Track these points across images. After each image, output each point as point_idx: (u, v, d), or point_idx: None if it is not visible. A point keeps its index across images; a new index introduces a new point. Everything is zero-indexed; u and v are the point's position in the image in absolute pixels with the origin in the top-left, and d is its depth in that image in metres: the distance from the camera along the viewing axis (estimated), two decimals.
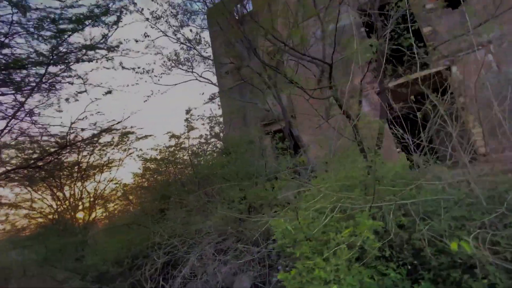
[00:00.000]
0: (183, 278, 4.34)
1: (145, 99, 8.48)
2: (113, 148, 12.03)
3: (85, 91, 6.36)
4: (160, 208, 6.79)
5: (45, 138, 9.35)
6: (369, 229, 1.89)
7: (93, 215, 10.12)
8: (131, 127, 10.95)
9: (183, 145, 8.95)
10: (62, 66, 5.93)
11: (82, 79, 6.35)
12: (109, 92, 6.37)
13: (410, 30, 5.38)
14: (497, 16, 5.88)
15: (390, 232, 2.12)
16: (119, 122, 9.70)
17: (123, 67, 7.14)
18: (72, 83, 6.29)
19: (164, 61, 8.53)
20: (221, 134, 10.99)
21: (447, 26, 7.10)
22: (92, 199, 11.62)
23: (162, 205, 6.89)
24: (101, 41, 6.14)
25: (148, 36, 6.95)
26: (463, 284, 1.92)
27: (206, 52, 10.15)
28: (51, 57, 5.49)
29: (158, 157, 9.08)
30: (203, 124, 9.79)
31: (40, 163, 9.26)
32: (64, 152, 10.30)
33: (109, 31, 5.75)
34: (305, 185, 5.77)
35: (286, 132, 6.86)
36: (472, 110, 6.72)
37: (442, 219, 2.15)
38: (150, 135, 12.60)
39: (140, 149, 10.74)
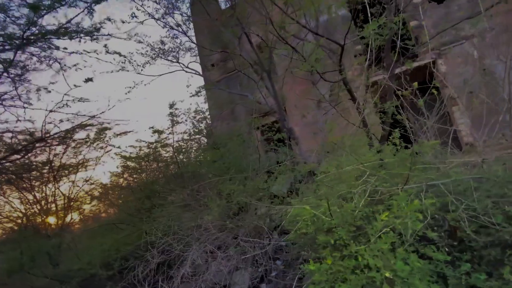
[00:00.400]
0: (182, 277, 4.05)
1: (128, 91, 7.90)
2: (88, 146, 11.22)
3: (62, 71, 5.70)
4: (145, 207, 6.37)
5: (10, 134, 8.49)
6: (415, 210, 1.77)
7: (69, 217, 9.36)
8: (109, 123, 10.22)
9: (166, 141, 8.53)
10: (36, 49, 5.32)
11: (60, 63, 5.73)
12: (90, 79, 5.82)
13: (400, 22, 5.46)
14: (480, 13, 6.13)
15: (426, 214, 2.02)
16: (93, 117, 8.95)
17: (107, 51, 6.55)
18: (50, 65, 5.64)
19: (147, 50, 8.02)
20: (205, 130, 10.63)
21: (432, 21, 7.31)
22: (66, 201, 10.78)
23: (148, 203, 6.48)
24: (79, 25, 5.59)
25: (135, 17, 6.45)
26: (505, 262, 1.87)
27: (192, 43, 9.72)
28: (21, 39, 4.89)
29: (140, 153, 8.59)
30: (186, 120, 9.36)
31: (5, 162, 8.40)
32: (33, 151, 9.44)
33: (89, 11, 5.22)
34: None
35: (282, 123, 6.71)
36: (457, 101, 6.98)
37: (476, 198, 2.09)
38: (129, 131, 11.90)
39: (118, 147, 10.09)
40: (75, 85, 5.83)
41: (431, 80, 4.81)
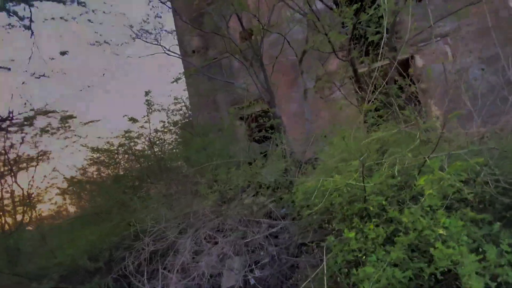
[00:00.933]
0: (183, 264, 3.83)
1: (103, 73, 7.26)
2: (50, 136, 10.15)
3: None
4: (128, 197, 5.94)
5: None
6: (460, 171, 1.83)
7: (31, 213, 8.41)
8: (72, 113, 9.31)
9: (142, 131, 8.04)
10: None
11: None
12: (65, 52, 5.21)
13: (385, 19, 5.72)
14: (455, 11, 6.64)
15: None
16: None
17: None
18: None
19: (127, 27, 7.44)
20: (185, 120, 10.22)
21: (413, 18, 7.74)
22: (26, 196, 9.66)
23: (130, 192, 6.04)
24: None
25: None
26: None
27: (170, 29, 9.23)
28: None
29: (112, 145, 7.96)
30: (166, 109, 8.89)
31: None
32: None
33: None
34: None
35: (273, 109, 6.65)
36: (431, 94, 7.52)
37: (493, 164, 2.23)
38: (97, 120, 10.99)
39: (85, 136, 9.27)
40: (51, 58, 5.15)
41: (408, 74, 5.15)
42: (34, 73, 5.66)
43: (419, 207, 1.82)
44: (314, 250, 3.42)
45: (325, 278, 2.35)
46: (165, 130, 8.84)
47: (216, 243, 4.34)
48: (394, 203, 2.13)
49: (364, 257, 1.97)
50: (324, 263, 2.18)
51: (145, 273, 3.77)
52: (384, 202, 2.01)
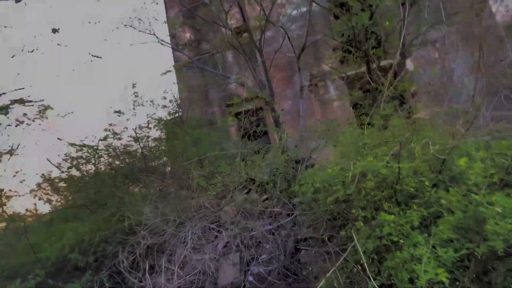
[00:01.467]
0: (185, 257, 3.59)
1: (90, 59, 6.83)
2: (25, 128, 9.37)
3: None
4: (118, 191, 5.54)
5: None
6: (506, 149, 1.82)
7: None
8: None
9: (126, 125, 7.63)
10: None
11: None
12: (56, 30, 4.79)
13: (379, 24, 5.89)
14: (444, 21, 6.99)
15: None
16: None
17: None
18: None
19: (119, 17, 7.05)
20: (173, 115, 9.85)
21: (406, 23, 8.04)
22: None
23: (121, 189, 5.65)
24: None
25: None
26: None
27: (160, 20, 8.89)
28: None
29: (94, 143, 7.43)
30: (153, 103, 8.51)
31: None
32: None
33: None
34: None
35: (273, 104, 6.55)
36: (420, 97, 7.83)
37: None
38: (70, 113, 10.28)
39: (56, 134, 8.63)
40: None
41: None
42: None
43: (465, 187, 1.79)
44: (326, 242, 3.34)
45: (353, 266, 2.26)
46: (154, 125, 8.46)
47: (216, 236, 4.15)
48: (430, 185, 2.09)
49: (401, 241, 1.91)
50: (358, 246, 2.09)
51: (146, 269, 3.48)
52: (427, 183, 1.97)
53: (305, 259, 3.76)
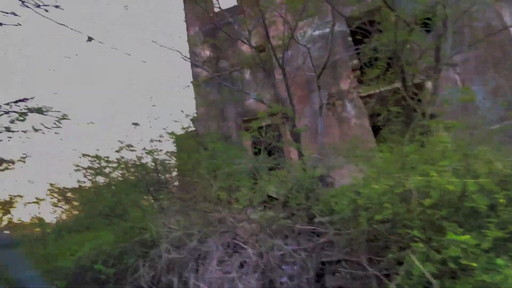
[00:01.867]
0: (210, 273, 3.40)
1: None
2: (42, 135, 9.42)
3: None
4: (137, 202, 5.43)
5: None
6: None
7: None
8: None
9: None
10: None
11: None
12: (91, 38, 4.87)
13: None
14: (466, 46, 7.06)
15: None
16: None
17: None
18: None
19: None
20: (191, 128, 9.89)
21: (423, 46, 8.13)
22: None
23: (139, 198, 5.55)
24: None
25: None
26: None
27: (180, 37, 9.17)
28: None
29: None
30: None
31: None
32: None
33: None
34: None
35: (292, 121, 6.51)
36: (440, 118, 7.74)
37: None
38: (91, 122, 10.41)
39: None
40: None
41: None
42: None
43: None
44: (362, 265, 3.14)
45: None
46: (171, 137, 8.46)
47: (238, 253, 3.95)
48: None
49: (474, 264, 1.75)
50: (421, 268, 1.92)
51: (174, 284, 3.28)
52: (502, 200, 1.83)
53: (331, 283, 3.53)
